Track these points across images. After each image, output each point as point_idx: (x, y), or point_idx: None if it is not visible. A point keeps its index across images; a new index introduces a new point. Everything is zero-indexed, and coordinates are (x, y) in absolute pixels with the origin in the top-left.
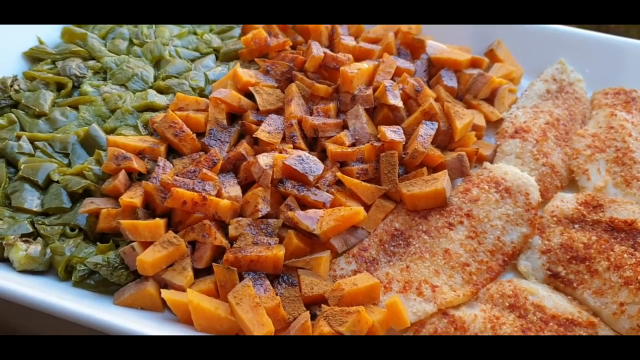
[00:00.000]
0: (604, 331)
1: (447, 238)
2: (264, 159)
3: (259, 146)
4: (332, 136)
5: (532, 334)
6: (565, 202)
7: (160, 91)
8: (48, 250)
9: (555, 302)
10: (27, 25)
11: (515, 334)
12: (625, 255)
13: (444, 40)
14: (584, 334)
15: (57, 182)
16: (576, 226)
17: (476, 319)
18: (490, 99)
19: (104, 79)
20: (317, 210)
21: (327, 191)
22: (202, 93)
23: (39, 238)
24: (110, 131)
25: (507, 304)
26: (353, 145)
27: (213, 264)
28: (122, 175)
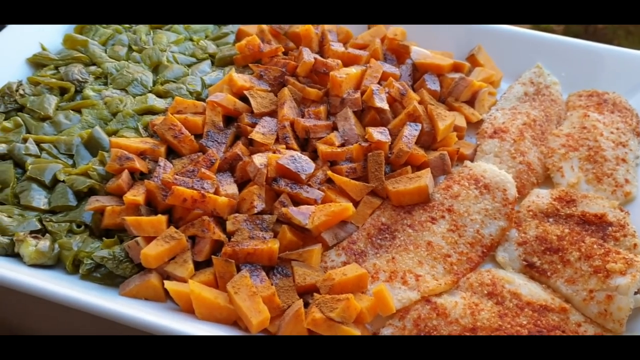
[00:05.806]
0: (574, 316)
1: (430, 231)
2: (259, 159)
3: (253, 147)
4: (323, 137)
5: (509, 319)
6: (541, 197)
7: (159, 95)
8: (56, 246)
9: (530, 290)
10: (30, 29)
11: (492, 320)
12: (595, 246)
13: (427, 46)
14: (557, 319)
15: (63, 181)
16: (550, 220)
17: (457, 306)
18: (471, 102)
19: (105, 84)
20: (309, 206)
21: (318, 189)
22: (199, 97)
23: (47, 234)
24: (112, 133)
25: (485, 292)
26: (342, 145)
27: (212, 256)
28: (125, 175)
